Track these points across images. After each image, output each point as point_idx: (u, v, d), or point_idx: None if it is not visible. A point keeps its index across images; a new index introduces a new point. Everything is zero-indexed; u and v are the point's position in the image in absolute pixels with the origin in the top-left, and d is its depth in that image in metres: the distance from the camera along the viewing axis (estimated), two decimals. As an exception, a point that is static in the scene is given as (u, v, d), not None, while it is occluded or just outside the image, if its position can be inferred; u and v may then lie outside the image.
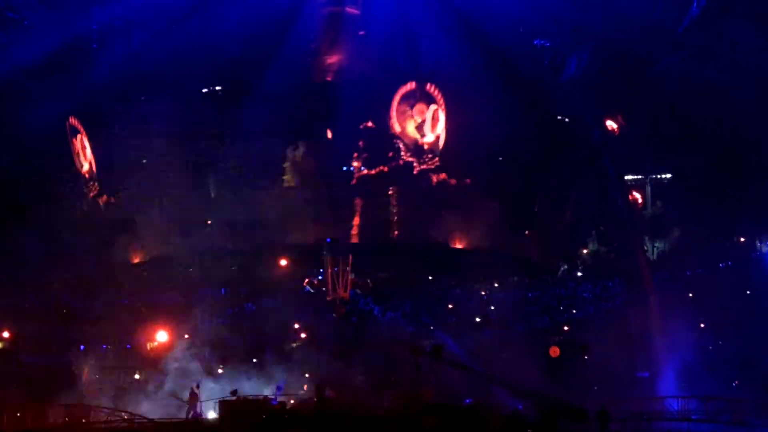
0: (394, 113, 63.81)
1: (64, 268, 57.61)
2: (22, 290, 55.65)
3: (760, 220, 62.61)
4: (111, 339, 55.23)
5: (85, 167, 63.49)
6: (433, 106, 63.86)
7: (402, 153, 64.37)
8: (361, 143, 64.19)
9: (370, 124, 64.14)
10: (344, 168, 64.33)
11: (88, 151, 62.90)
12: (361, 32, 62.79)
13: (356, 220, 64.49)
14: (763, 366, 52.77)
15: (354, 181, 64.37)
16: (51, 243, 57.15)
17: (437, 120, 63.84)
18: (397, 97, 63.56)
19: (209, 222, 62.97)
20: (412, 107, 63.94)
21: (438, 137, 64.14)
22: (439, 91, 63.43)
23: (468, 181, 63.81)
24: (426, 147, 64.34)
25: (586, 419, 39.44)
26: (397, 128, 63.86)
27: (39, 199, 58.99)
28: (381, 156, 64.21)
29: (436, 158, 64.43)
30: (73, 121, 61.45)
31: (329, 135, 63.81)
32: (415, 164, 64.35)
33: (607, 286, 61.78)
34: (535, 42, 61.70)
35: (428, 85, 63.48)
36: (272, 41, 58.94)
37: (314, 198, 63.24)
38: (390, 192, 64.40)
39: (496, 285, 62.52)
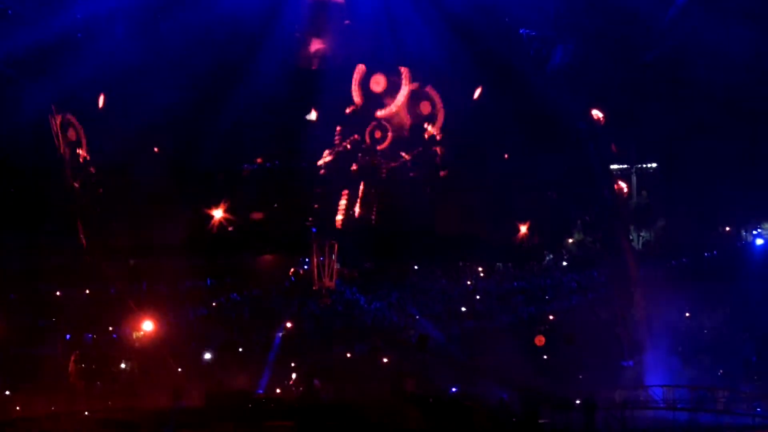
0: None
1: (49, 258, 57.33)
2: (5, 281, 55.36)
3: (745, 209, 62.75)
4: (97, 329, 55.18)
5: (69, 155, 63.02)
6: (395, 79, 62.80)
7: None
8: (341, 130, 63.85)
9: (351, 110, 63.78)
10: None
11: (71, 138, 62.47)
12: (347, 21, 62.50)
13: (342, 209, 64.25)
14: (747, 355, 53.09)
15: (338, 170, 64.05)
16: (34, 233, 56.86)
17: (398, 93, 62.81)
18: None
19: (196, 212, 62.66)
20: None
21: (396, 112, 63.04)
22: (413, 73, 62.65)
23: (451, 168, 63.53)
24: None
25: (570, 409, 39.61)
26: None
27: (21, 188, 58.64)
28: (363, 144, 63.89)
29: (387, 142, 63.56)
30: (55, 109, 60.95)
31: (313, 123, 63.48)
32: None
33: (593, 276, 61.98)
34: (521, 31, 61.51)
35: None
36: (257, 29, 58.58)
37: (299, 187, 63.04)
38: (373, 180, 64.02)
39: (481, 275, 62.59)
